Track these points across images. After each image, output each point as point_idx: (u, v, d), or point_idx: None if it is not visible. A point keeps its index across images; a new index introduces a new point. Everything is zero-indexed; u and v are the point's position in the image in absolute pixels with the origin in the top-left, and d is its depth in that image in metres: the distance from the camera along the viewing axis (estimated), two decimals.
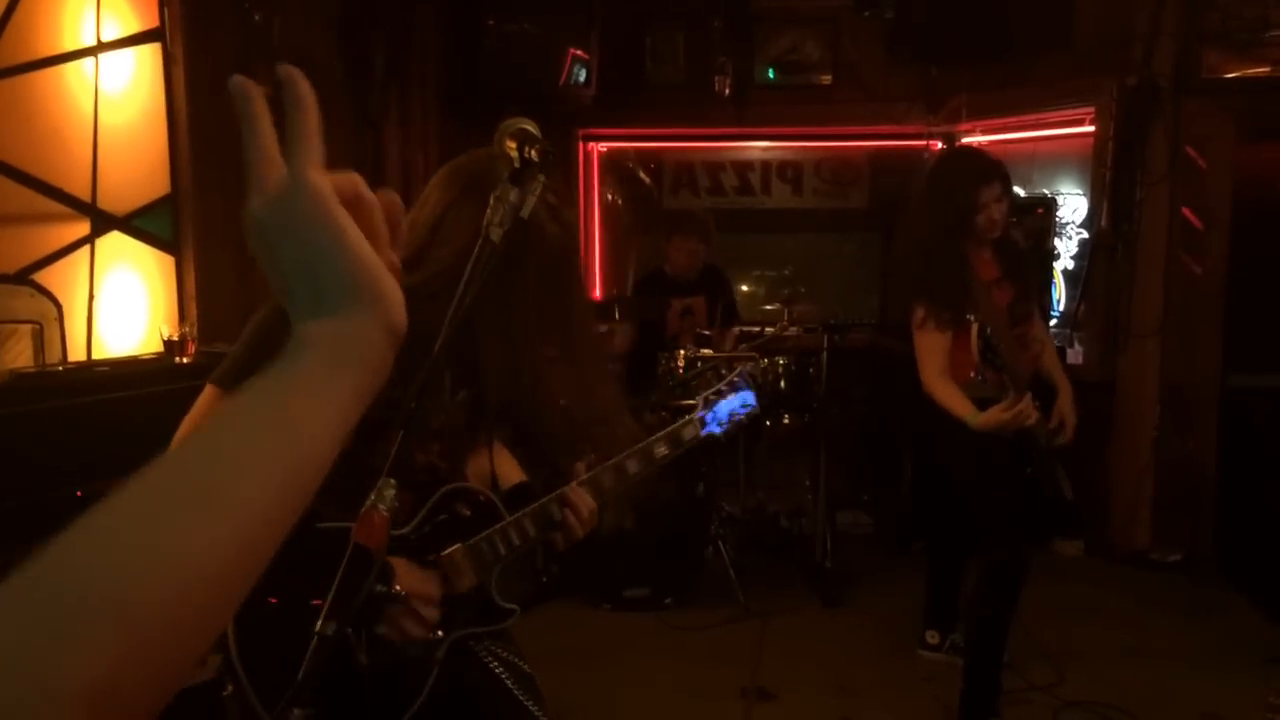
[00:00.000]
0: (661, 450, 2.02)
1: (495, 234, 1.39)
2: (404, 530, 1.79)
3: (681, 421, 2.08)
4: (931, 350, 3.42)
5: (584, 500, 1.89)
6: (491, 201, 1.42)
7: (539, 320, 1.73)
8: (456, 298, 1.38)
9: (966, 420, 3.31)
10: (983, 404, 3.32)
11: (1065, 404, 3.57)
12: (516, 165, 1.43)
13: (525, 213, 1.39)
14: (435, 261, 1.70)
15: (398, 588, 1.61)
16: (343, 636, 1.29)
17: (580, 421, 1.87)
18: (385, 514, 1.23)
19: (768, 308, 5.44)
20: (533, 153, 1.43)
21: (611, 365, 5.04)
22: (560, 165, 6.81)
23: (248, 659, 1.69)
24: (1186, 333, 5.26)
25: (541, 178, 1.42)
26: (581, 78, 5.82)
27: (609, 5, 6.04)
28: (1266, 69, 5.00)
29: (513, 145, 1.46)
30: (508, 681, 1.94)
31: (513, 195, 1.40)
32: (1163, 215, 5.25)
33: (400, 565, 1.71)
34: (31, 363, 3.29)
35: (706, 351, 4.93)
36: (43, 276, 3.53)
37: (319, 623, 1.19)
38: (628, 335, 5.25)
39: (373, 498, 1.24)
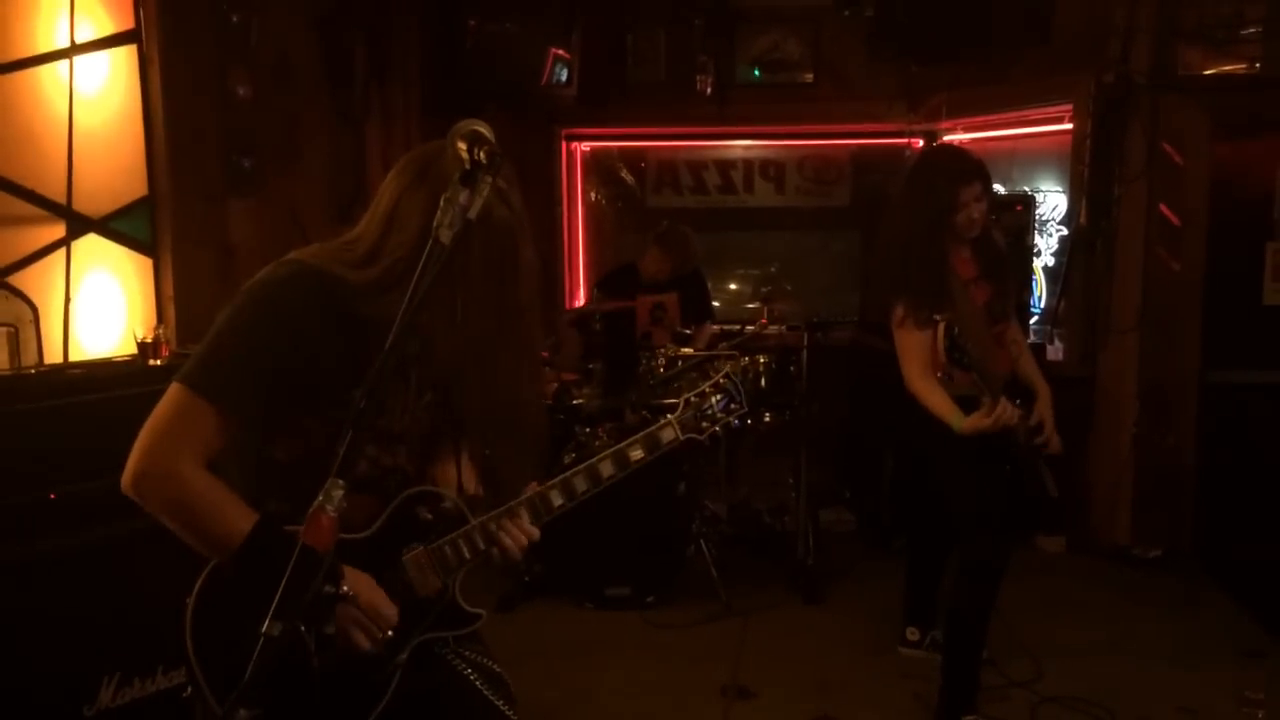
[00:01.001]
0: (637, 454, 1.99)
1: (445, 235, 1.40)
2: (367, 533, 1.79)
3: (659, 423, 2.05)
4: (912, 348, 3.43)
5: (521, 524, 1.87)
6: (441, 203, 1.43)
7: (484, 302, 1.71)
8: (407, 298, 1.38)
9: (951, 424, 3.32)
10: (963, 402, 3.33)
11: (1044, 407, 3.57)
12: (466, 166, 1.44)
13: (473, 214, 1.40)
14: (390, 251, 1.69)
15: (345, 588, 1.61)
16: (297, 638, 1.29)
17: (514, 423, 1.85)
18: (333, 515, 1.24)
19: (749, 305, 5.45)
20: (481, 154, 1.43)
21: (591, 365, 5.05)
22: (543, 164, 6.84)
23: (207, 661, 1.69)
24: (1165, 328, 5.29)
25: (489, 179, 1.43)
26: (563, 77, 5.84)
27: (590, 4, 6.05)
28: (1242, 66, 5.04)
29: (463, 146, 1.47)
30: (477, 682, 1.94)
31: (462, 196, 1.41)
32: (1140, 212, 5.27)
33: (355, 574, 1.71)
34: (6, 365, 3.29)
35: (687, 350, 4.94)
36: (18, 279, 3.53)
37: (265, 623, 1.20)
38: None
39: (320, 499, 1.25)
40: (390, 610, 1.74)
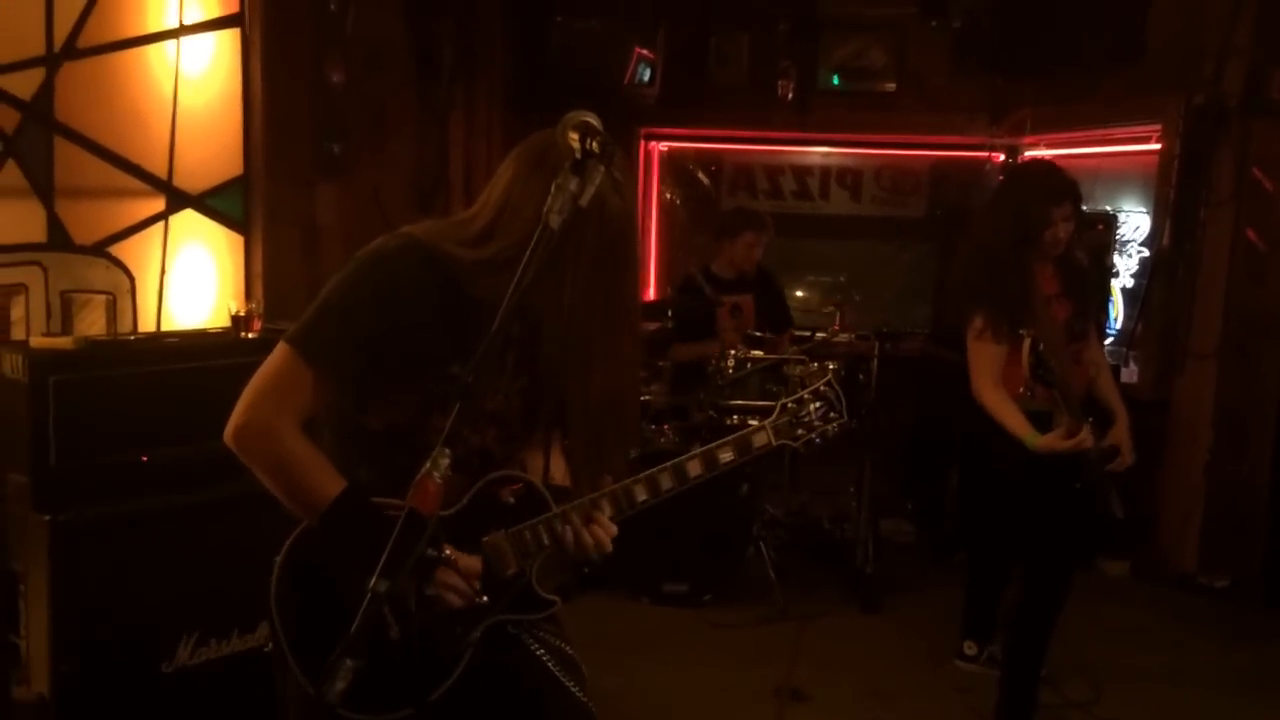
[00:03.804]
0: (727, 455, 1.93)
1: (554, 221, 1.44)
2: (449, 511, 1.81)
3: (752, 427, 1.98)
4: (986, 360, 3.42)
5: (602, 521, 1.85)
6: (552, 190, 1.48)
7: (593, 304, 1.73)
8: (515, 279, 1.43)
9: (1025, 440, 3.30)
10: (1032, 418, 3.32)
11: (1122, 431, 3.53)
12: (578, 156, 1.48)
13: (584, 202, 1.44)
14: (503, 234, 1.72)
15: (447, 552, 1.65)
16: (380, 612, 1.33)
17: (606, 419, 1.84)
18: (439, 481, 1.29)
19: (824, 311, 5.44)
20: (594, 144, 1.48)
21: (662, 361, 5.08)
22: (624, 157, 6.84)
23: (289, 620, 1.76)
24: (1245, 355, 5.18)
25: (601, 168, 1.47)
26: (646, 77, 5.88)
27: (675, 5, 6.08)
28: None
29: (575, 136, 1.52)
30: (549, 663, 1.95)
31: (573, 184, 1.45)
32: (1226, 236, 5.18)
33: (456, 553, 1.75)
34: (104, 331, 3.42)
35: (757, 353, 4.95)
36: (118, 249, 3.67)
37: (372, 579, 1.25)
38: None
39: (428, 465, 1.30)
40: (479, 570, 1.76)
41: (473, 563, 1.77)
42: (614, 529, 1.86)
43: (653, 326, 4.89)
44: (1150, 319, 5.51)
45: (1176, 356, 5.35)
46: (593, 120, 1.54)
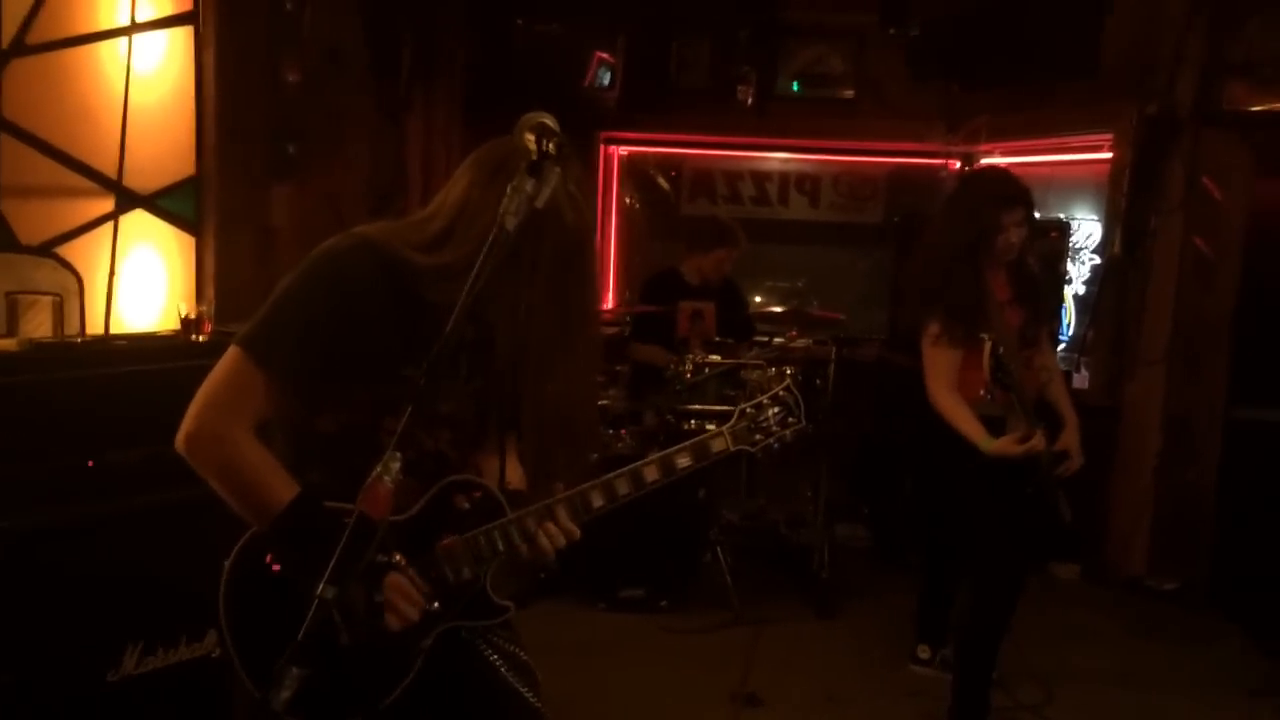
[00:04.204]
0: (684, 461, 1.93)
1: (510, 222, 1.44)
2: (403, 516, 1.79)
3: (710, 433, 1.98)
4: (942, 365, 3.44)
5: (562, 523, 1.84)
6: (508, 192, 1.47)
7: (550, 307, 1.73)
8: (469, 280, 1.42)
9: (978, 445, 3.33)
10: (988, 422, 3.35)
11: (1071, 437, 3.58)
12: (534, 157, 1.47)
13: (540, 203, 1.44)
14: (463, 240, 1.70)
15: (398, 557, 1.63)
16: (348, 603, 1.32)
17: (559, 425, 1.84)
18: (389, 485, 1.27)
19: (776, 309, 5.46)
20: (550, 146, 1.47)
21: (620, 368, 5.07)
22: (581, 166, 6.83)
23: (238, 626, 1.73)
24: (1193, 362, 5.28)
25: (558, 170, 1.47)
26: (606, 80, 5.88)
27: (636, 10, 6.08)
28: None
29: (531, 138, 1.51)
30: (503, 668, 1.94)
31: (529, 186, 1.44)
32: (1175, 244, 5.26)
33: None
34: (51, 334, 3.35)
35: (715, 357, 4.95)
36: (66, 250, 3.60)
37: (320, 586, 1.24)
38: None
39: (379, 469, 1.29)
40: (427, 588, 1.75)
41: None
42: (575, 531, 1.85)
43: (610, 332, 4.88)
44: (1101, 326, 5.59)
45: (1126, 363, 5.43)
46: (549, 122, 1.54)
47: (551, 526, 1.84)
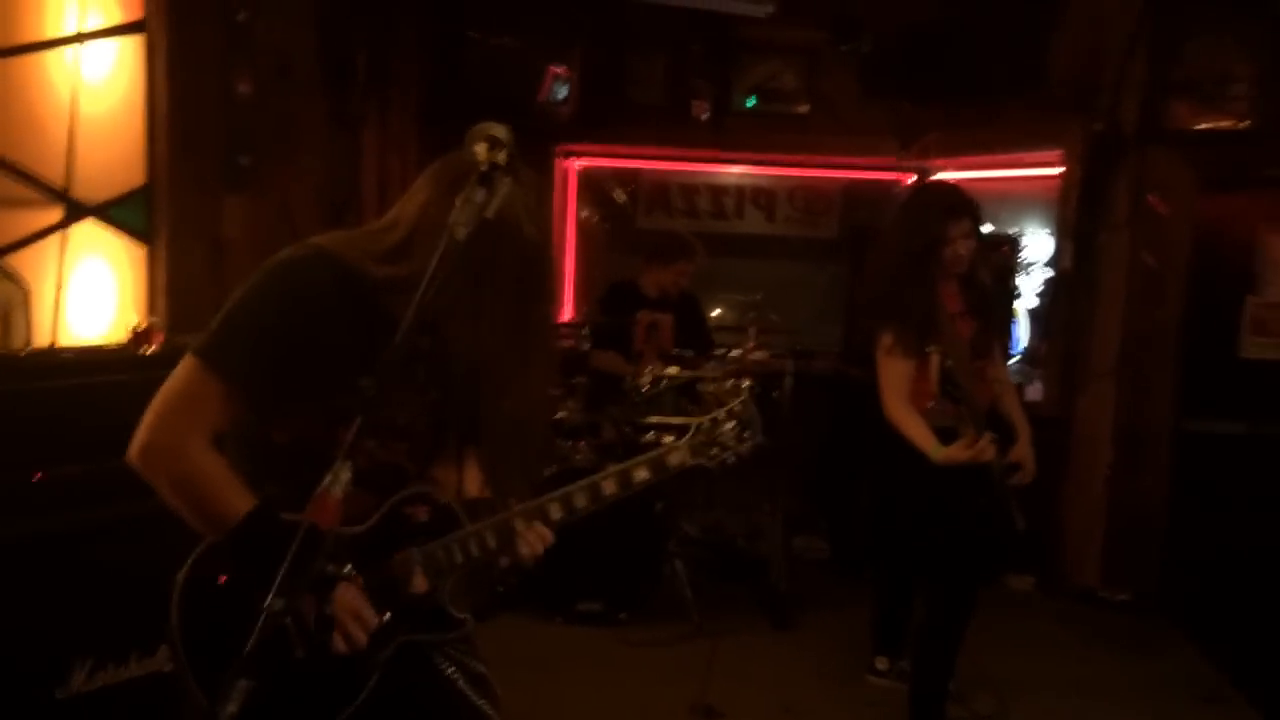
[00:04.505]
0: (642, 475, 1.93)
1: (460, 232, 1.43)
2: (360, 529, 1.78)
3: (667, 446, 1.98)
4: (895, 376, 3.47)
5: (538, 532, 1.85)
6: (458, 203, 1.46)
7: (505, 319, 1.73)
8: (420, 291, 1.41)
9: (928, 453, 3.36)
10: (939, 432, 3.38)
11: (1024, 447, 3.62)
12: (484, 168, 1.47)
13: (490, 213, 1.44)
14: (421, 253, 1.67)
15: (348, 568, 1.61)
16: (295, 617, 1.31)
17: (516, 437, 1.84)
18: (338, 495, 1.26)
19: (733, 329, 5.48)
20: (500, 156, 1.47)
21: (577, 380, 5.06)
22: (537, 180, 6.82)
23: (191, 639, 1.70)
24: (1142, 375, 5.36)
25: (508, 180, 1.47)
26: (561, 94, 5.88)
27: (591, 24, 6.10)
28: (1229, 122, 5.13)
29: (482, 148, 1.51)
30: (460, 682, 1.93)
31: (479, 196, 1.44)
32: (1123, 259, 5.36)
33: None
34: None
35: (672, 370, 4.96)
36: (12, 260, 3.53)
37: (268, 599, 1.22)
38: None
39: (328, 479, 1.27)
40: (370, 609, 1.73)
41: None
42: (549, 536, 1.85)
43: (567, 344, 4.87)
44: (1053, 339, 5.67)
45: (1078, 376, 5.51)
46: (500, 133, 1.54)
47: (530, 535, 1.83)
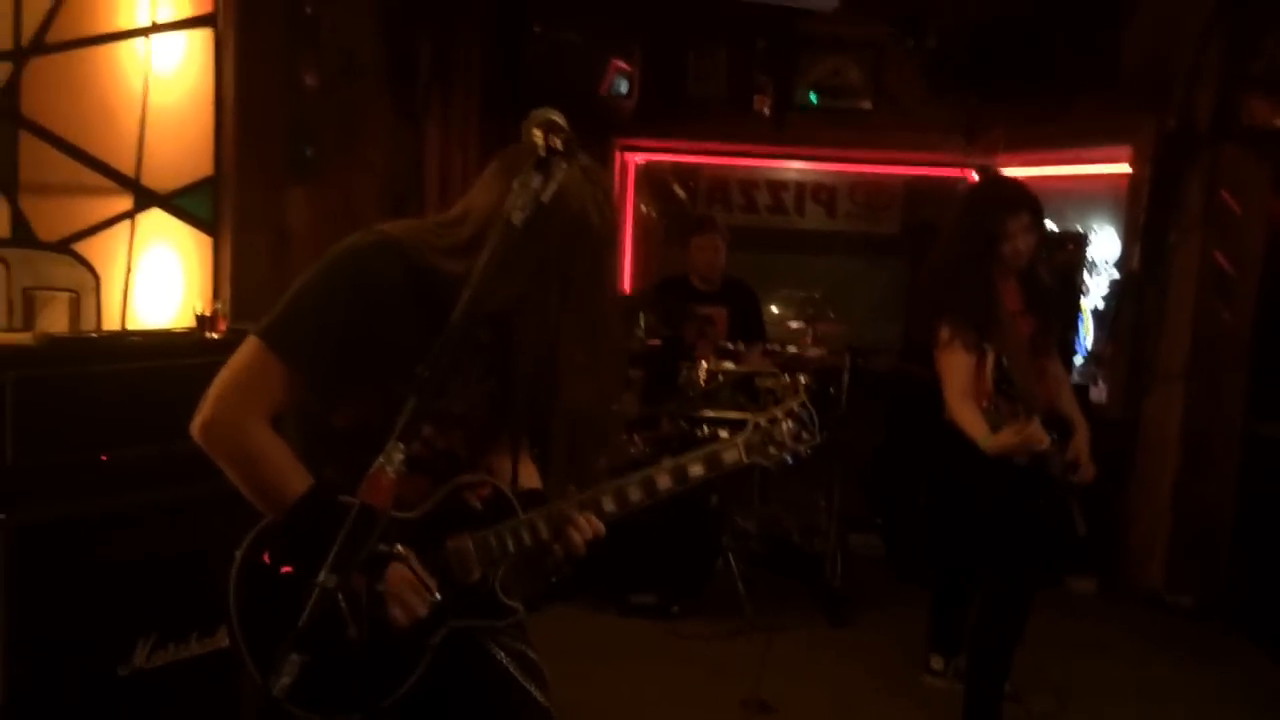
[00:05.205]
0: (697, 470, 1.92)
1: (516, 218, 1.44)
2: (415, 514, 1.80)
3: (724, 443, 1.97)
4: (956, 370, 3.42)
5: (590, 521, 1.85)
6: (515, 187, 1.47)
7: (574, 310, 1.74)
8: (475, 277, 1.42)
9: (979, 441, 3.30)
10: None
11: (1081, 442, 3.56)
12: (541, 153, 1.47)
13: (546, 197, 1.44)
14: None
15: (400, 548, 1.63)
16: (336, 607, 1.32)
17: (588, 428, 1.86)
18: (392, 475, 1.27)
19: (793, 325, 5.45)
20: (557, 142, 1.47)
21: (633, 373, 5.07)
22: (605, 173, 6.82)
23: (247, 617, 1.73)
24: (1212, 378, 5.24)
25: (564, 165, 1.47)
26: (623, 88, 5.89)
27: (654, 19, 6.10)
28: None
29: (538, 133, 1.51)
30: (510, 667, 1.94)
31: (535, 181, 1.44)
32: (1194, 259, 5.23)
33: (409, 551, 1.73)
34: (67, 329, 3.37)
35: (728, 365, 4.95)
36: (83, 247, 3.62)
37: (321, 574, 1.24)
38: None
39: (380, 459, 1.29)
40: (431, 581, 1.74)
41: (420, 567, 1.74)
42: (601, 527, 1.85)
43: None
44: (1119, 340, 5.56)
45: (1145, 377, 5.40)
46: (557, 118, 1.54)
47: (583, 523, 1.83)
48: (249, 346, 1.72)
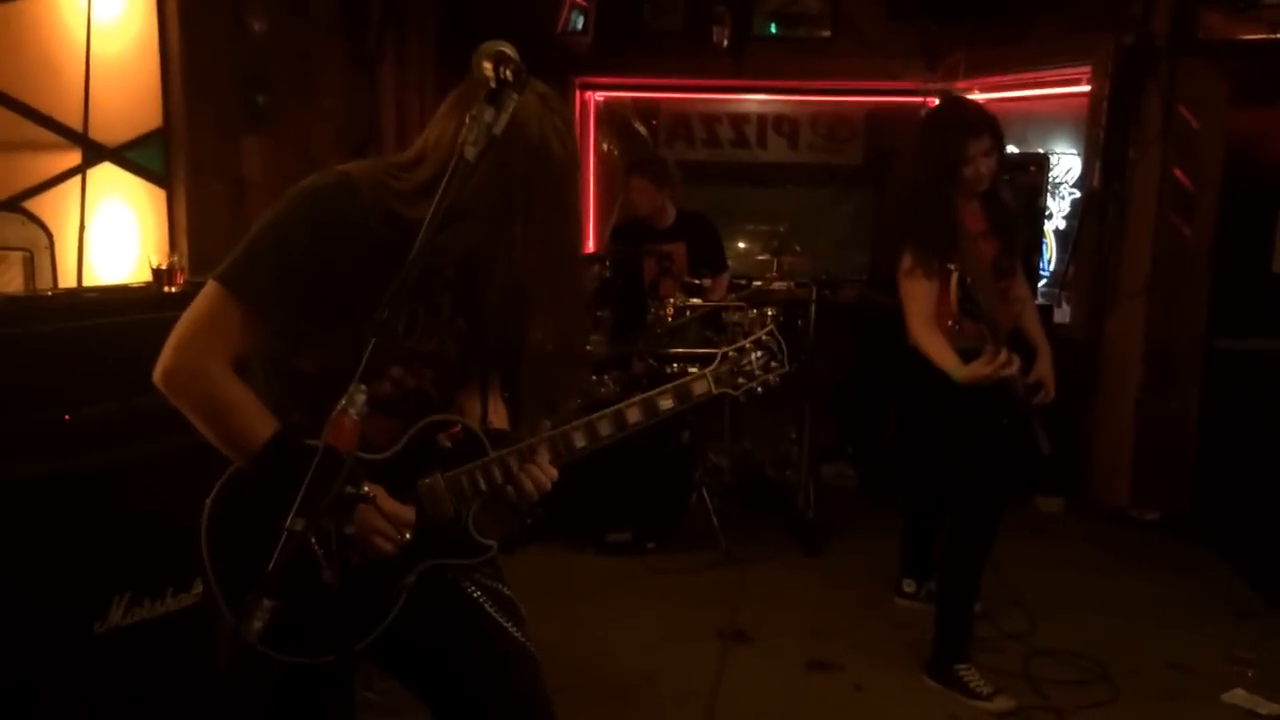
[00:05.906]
0: (666, 403, 1.92)
1: (470, 152, 1.41)
2: (385, 454, 1.80)
3: (693, 375, 1.97)
4: (918, 297, 3.44)
5: (542, 465, 1.84)
6: (466, 121, 1.44)
7: (539, 243, 1.71)
8: (430, 210, 1.40)
9: (950, 372, 3.34)
10: (963, 354, 3.35)
11: (1044, 365, 3.61)
12: (492, 85, 1.45)
13: (498, 130, 1.42)
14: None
15: (366, 489, 1.63)
16: (318, 539, 1.32)
17: (554, 365, 1.85)
18: (355, 417, 1.26)
19: (760, 258, 5.44)
20: (507, 73, 1.45)
21: (600, 312, 5.06)
22: (563, 100, 6.72)
23: (220, 564, 1.72)
24: (1173, 294, 5.29)
25: (515, 96, 1.45)
26: (579, 24, 5.80)
27: None
28: (1263, 33, 4.99)
29: (488, 66, 1.48)
30: (486, 605, 1.94)
31: (487, 115, 1.42)
32: (1154, 176, 5.26)
33: (371, 485, 1.72)
34: (22, 289, 3.31)
35: (695, 300, 4.95)
36: (34, 205, 3.55)
37: (289, 519, 1.23)
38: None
39: (343, 402, 1.28)
40: (408, 513, 1.75)
41: (392, 502, 1.74)
42: (554, 473, 1.85)
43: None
44: (1082, 259, 5.59)
45: (1107, 296, 5.44)
46: (507, 49, 1.51)
47: (533, 469, 1.83)
48: (208, 290, 1.69)
